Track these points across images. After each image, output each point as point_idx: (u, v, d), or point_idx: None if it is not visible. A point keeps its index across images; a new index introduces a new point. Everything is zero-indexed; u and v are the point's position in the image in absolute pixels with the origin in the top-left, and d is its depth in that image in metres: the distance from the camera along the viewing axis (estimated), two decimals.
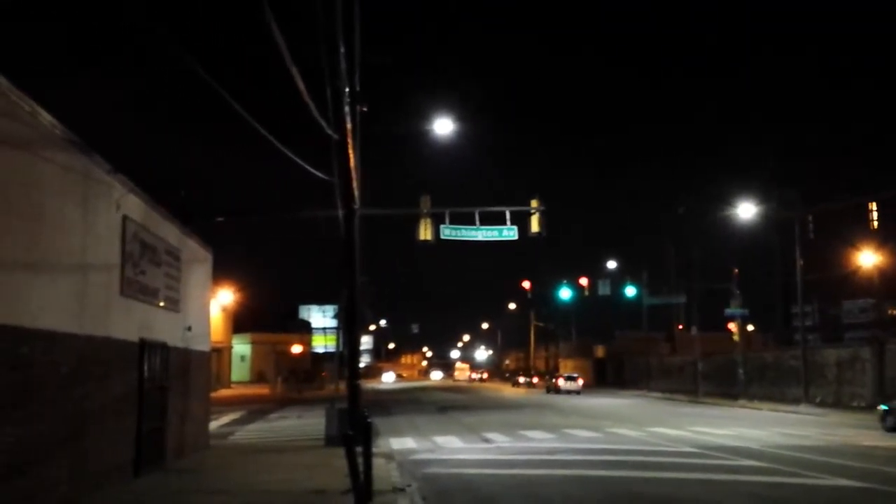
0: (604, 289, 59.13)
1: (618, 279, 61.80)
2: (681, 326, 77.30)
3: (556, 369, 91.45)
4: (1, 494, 9.95)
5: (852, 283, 64.44)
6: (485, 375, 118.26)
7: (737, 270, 51.30)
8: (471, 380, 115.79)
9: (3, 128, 10.06)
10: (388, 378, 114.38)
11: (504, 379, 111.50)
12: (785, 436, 24.72)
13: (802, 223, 41.19)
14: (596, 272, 66.65)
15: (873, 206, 34.29)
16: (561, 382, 65.43)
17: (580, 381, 65.92)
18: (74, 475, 12.12)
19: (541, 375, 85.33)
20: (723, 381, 53.40)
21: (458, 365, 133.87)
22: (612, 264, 68.69)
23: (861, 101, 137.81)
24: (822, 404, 40.90)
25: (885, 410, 28.83)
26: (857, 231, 45.17)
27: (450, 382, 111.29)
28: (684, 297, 60.52)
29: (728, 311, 51.18)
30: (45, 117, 11.19)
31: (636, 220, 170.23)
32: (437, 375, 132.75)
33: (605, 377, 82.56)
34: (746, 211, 44.51)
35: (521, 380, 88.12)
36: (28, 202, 10.75)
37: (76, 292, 12.26)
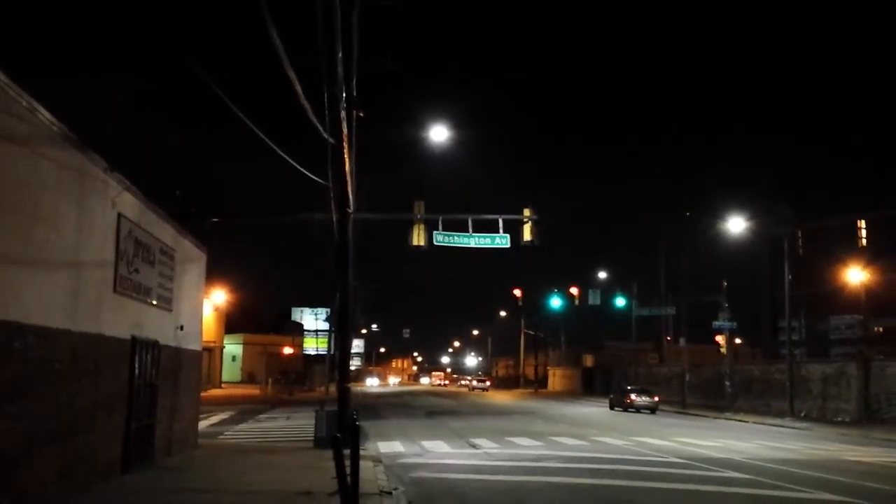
0: (594, 299, 59.26)
1: (608, 290, 61.98)
2: (669, 338, 77.53)
3: (545, 377, 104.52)
4: None
5: (840, 300, 64.72)
6: (447, 382, 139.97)
7: (726, 283, 51.50)
8: (436, 384, 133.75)
9: (1, 124, 10.12)
10: (373, 382, 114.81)
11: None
12: (770, 448, 24.85)
13: (792, 239, 41.41)
14: (587, 282, 66.95)
15: (862, 224, 34.46)
16: (474, 383, 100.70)
17: (487, 383, 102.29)
18: (64, 471, 12.17)
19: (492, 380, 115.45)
20: (709, 393, 53.64)
21: (434, 373, 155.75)
22: (602, 275, 69.00)
23: (856, 120, 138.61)
24: (807, 418, 41.14)
25: (610, 398, 51.98)
26: (846, 248, 45.41)
27: (430, 387, 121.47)
28: (673, 309, 60.69)
29: (716, 323, 51.36)
30: (44, 114, 11.23)
31: (628, 231, 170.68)
32: (394, 380, 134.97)
33: (593, 386, 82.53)
34: (736, 225, 44.77)
35: (464, 382, 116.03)
36: (24, 198, 10.81)
37: (70, 289, 12.32)
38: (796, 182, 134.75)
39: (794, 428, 36.19)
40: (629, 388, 50.36)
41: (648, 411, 46.26)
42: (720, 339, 51.98)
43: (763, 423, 38.71)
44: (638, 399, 47.22)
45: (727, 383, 50.04)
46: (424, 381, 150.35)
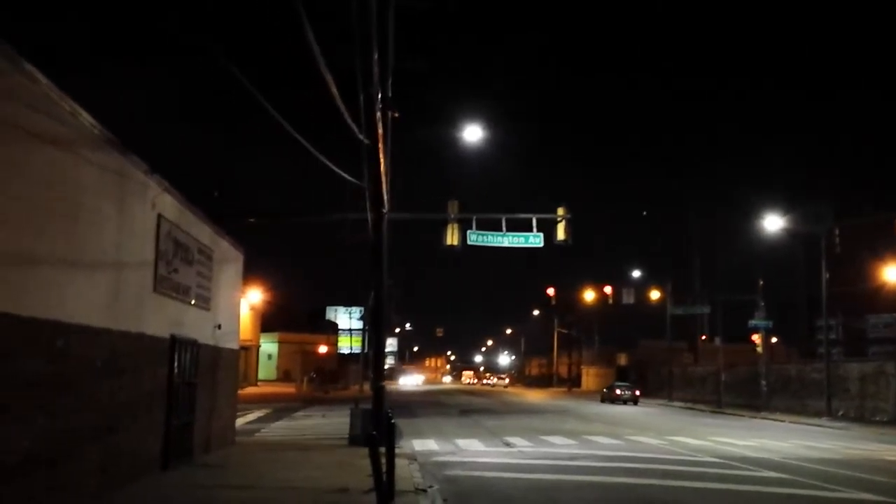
0: (628, 297, 59.10)
1: (642, 288, 61.69)
2: (704, 337, 76.93)
3: (579, 376, 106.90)
4: (33, 486, 10.16)
5: (877, 298, 63.94)
6: (475, 380, 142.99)
7: (762, 282, 51.04)
8: (467, 383, 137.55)
9: (45, 127, 10.31)
10: (407, 381, 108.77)
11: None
12: (807, 448, 24.65)
13: (829, 237, 40.96)
14: (620, 280, 66.70)
15: None
16: (494, 380, 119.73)
17: (507, 380, 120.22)
18: (105, 468, 12.37)
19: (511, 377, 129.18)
20: (745, 393, 53.18)
21: (465, 371, 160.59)
22: (636, 273, 68.68)
23: (859, 120, 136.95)
24: (844, 418, 40.67)
25: (602, 392, 61.69)
26: (884, 245, 44.86)
27: (461, 386, 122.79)
28: (708, 308, 60.25)
29: (752, 322, 50.90)
30: (85, 117, 11.42)
31: (663, 229, 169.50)
32: (418, 379, 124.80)
33: None
34: (773, 223, 44.32)
35: (484, 381, 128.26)
36: (67, 200, 11.01)
37: (111, 288, 12.52)
38: (832, 178, 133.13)
39: (831, 427, 35.82)
40: (616, 384, 62.61)
41: (632, 403, 57.37)
42: (756, 338, 51.52)
43: (799, 423, 38.37)
44: (622, 393, 58.36)
45: (763, 383, 49.57)
46: (447, 379, 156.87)
